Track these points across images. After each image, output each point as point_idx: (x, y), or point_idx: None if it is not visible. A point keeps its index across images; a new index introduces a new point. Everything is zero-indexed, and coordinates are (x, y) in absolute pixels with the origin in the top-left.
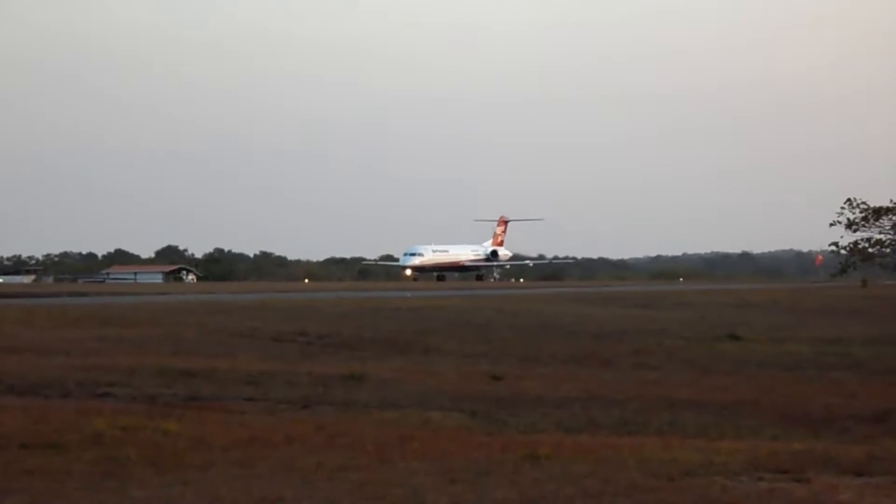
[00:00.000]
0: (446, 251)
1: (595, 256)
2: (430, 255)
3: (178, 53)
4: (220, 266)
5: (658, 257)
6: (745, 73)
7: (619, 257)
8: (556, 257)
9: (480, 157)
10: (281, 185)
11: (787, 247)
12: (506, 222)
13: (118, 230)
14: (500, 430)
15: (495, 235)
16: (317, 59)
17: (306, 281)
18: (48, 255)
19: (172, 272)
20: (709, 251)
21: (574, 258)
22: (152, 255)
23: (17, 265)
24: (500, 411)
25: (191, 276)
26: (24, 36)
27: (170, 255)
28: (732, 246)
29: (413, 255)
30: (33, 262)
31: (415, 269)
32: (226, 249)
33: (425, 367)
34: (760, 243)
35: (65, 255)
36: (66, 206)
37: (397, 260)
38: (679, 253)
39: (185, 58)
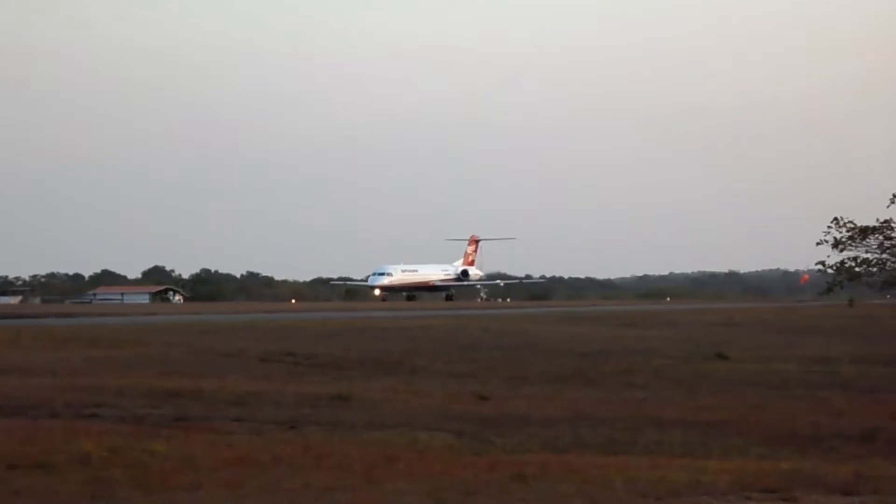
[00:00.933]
0: (416, 270)
1: (582, 276)
2: (399, 274)
3: (163, 72)
4: (207, 287)
5: (645, 277)
6: (732, 95)
7: (607, 277)
8: (527, 276)
9: (477, 178)
10: (268, 205)
11: (773, 266)
12: (477, 241)
13: (105, 251)
14: (487, 449)
15: (466, 255)
16: (303, 80)
17: (293, 301)
18: (35, 276)
19: (159, 293)
20: (696, 270)
21: (544, 277)
22: (139, 276)
23: (4, 286)
24: (487, 431)
25: (178, 297)
26: (6, 54)
27: (157, 276)
28: (719, 265)
29: (381, 274)
30: (20, 282)
31: (383, 288)
32: (213, 270)
33: (412, 388)
34: (747, 263)
35: (51, 275)
36: (53, 227)
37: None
38: (666, 272)
39: (169, 77)
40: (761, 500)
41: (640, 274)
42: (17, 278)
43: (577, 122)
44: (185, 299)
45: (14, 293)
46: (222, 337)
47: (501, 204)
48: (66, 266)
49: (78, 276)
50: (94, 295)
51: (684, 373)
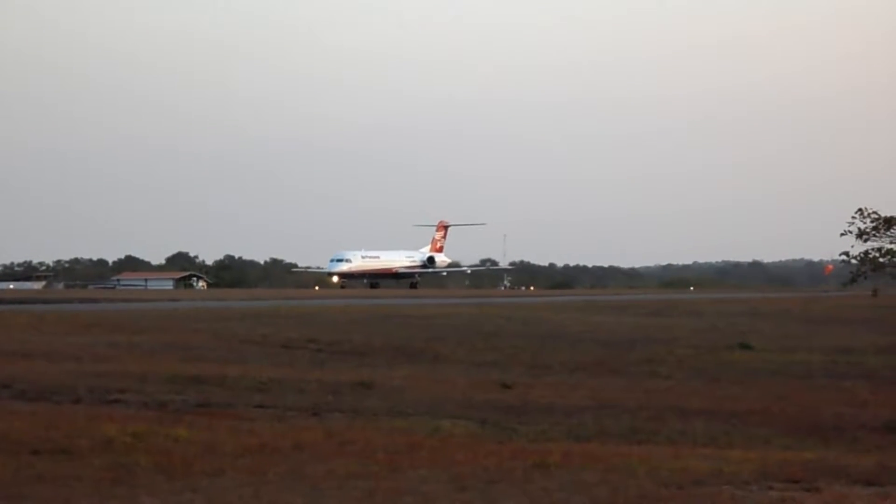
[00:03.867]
0: (377, 257)
1: (606, 265)
2: (359, 261)
3: (188, 57)
4: (230, 273)
5: (669, 266)
6: (759, 84)
7: (631, 266)
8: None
9: (508, 168)
10: (292, 191)
11: (797, 256)
12: (445, 227)
13: (129, 237)
14: (510, 438)
15: (434, 241)
16: (334, 64)
17: (316, 288)
18: (59, 262)
19: (183, 279)
20: (720, 260)
21: (514, 264)
22: (163, 262)
23: (28, 271)
24: (510, 419)
25: (201, 283)
26: (27, 38)
27: (180, 262)
28: (743, 255)
29: (340, 260)
30: (44, 268)
31: (342, 275)
32: (236, 256)
33: (435, 375)
34: (771, 252)
35: (75, 261)
36: (77, 213)
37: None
38: (690, 262)
39: (195, 62)
40: (784, 490)
41: (664, 263)
42: (41, 263)
43: (600, 110)
44: (209, 285)
45: (38, 278)
46: (245, 323)
47: (529, 192)
48: (90, 252)
49: (102, 262)
50: (118, 280)
51: (708, 362)
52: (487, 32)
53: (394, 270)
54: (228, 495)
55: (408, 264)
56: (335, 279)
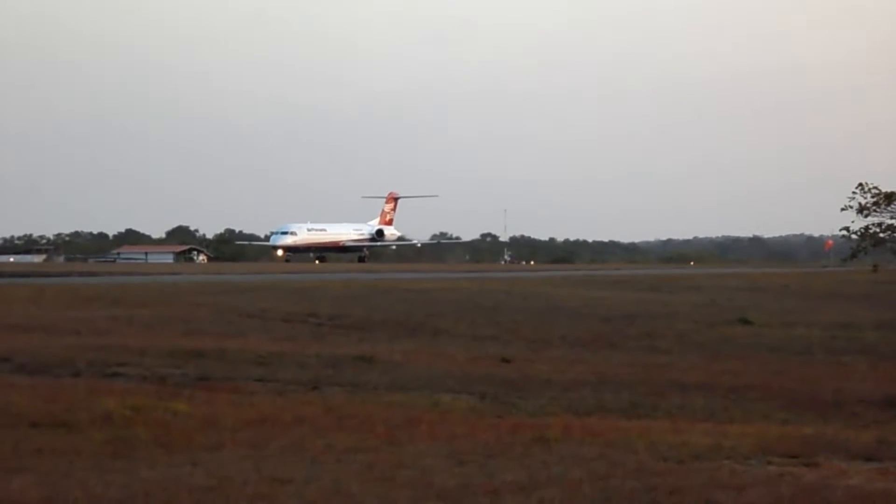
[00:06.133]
0: (324, 230)
1: (606, 239)
2: (305, 234)
3: (187, 39)
4: (230, 247)
5: (669, 241)
6: (757, 61)
7: (630, 240)
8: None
9: (509, 145)
10: (292, 167)
11: (798, 231)
12: (395, 199)
13: (129, 210)
14: (509, 412)
15: (383, 213)
16: (314, 49)
17: (317, 262)
18: (59, 235)
19: (183, 252)
20: (720, 235)
21: (458, 238)
22: (163, 236)
23: (28, 244)
24: (510, 394)
25: (201, 257)
26: (27, 19)
27: (181, 236)
28: (743, 230)
29: (285, 233)
30: (44, 241)
31: (287, 248)
32: (237, 230)
33: (435, 350)
34: (771, 227)
35: (76, 234)
36: (78, 186)
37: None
38: (690, 237)
39: (195, 43)
40: (783, 465)
41: (664, 238)
42: (42, 237)
43: (602, 86)
44: (209, 259)
45: (38, 252)
46: (245, 297)
47: (529, 166)
48: (91, 225)
49: (102, 236)
50: (118, 254)
51: (707, 337)
52: None
53: (341, 244)
54: (228, 468)
55: (355, 237)
56: (279, 252)
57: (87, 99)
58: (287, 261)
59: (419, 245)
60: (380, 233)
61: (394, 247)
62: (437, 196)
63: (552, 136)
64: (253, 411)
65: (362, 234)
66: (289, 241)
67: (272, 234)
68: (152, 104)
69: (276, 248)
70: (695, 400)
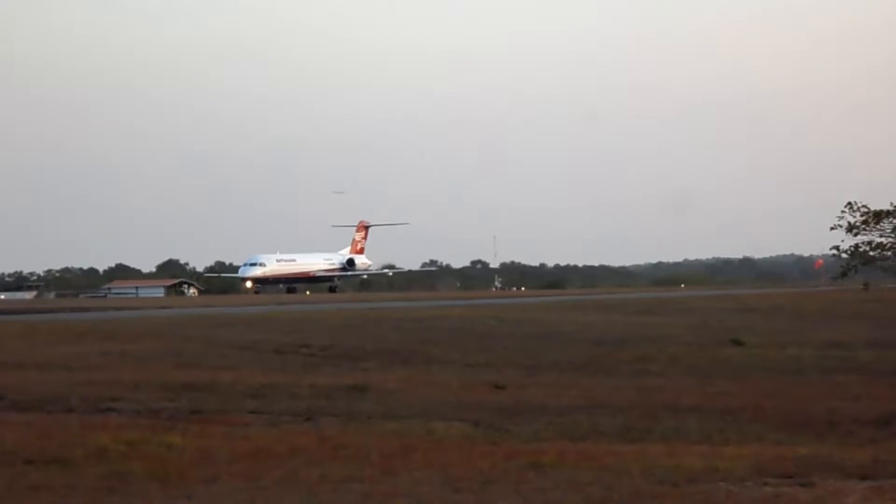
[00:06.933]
0: (294, 260)
1: (596, 264)
2: (274, 264)
3: (170, 69)
4: (221, 279)
5: (659, 264)
6: (746, 82)
7: (621, 264)
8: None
9: (502, 173)
10: (279, 198)
11: (787, 251)
12: (366, 227)
13: (119, 245)
14: (504, 438)
15: (354, 242)
16: (302, 79)
17: (307, 293)
18: (49, 271)
19: (174, 286)
20: (710, 257)
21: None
22: (154, 270)
23: (19, 281)
24: (504, 420)
25: (192, 290)
26: (22, 47)
27: (171, 269)
28: (734, 251)
29: (254, 265)
30: (34, 277)
31: (256, 280)
32: (227, 262)
33: (428, 378)
34: (762, 248)
35: (66, 270)
36: (67, 222)
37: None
38: (680, 259)
39: (179, 75)
40: (779, 486)
41: (654, 261)
42: (32, 273)
43: (588, 109)
44: (200, 292)
45: (29, 288)
46: (237, 329)
47: (519, 192)
48: (81, 261)
49: (92, 271)
50: (109, 289)
51: (700, 359)
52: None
53: (311, 274)
54: (224, 501)
55: (326, 267)
56: (248, 284)
57: (75, 134)
58: (256, 292)
59: (391, 273)
60: (350, 262)
61: (365, 276)
62: (407, 223)
63: (541, 162)
64: (247, 443)
65: (332, 264)
66: (258, 272)
67: (242, 265)
68: (138, 138)
69: (244, 279)
70: (689, 422)
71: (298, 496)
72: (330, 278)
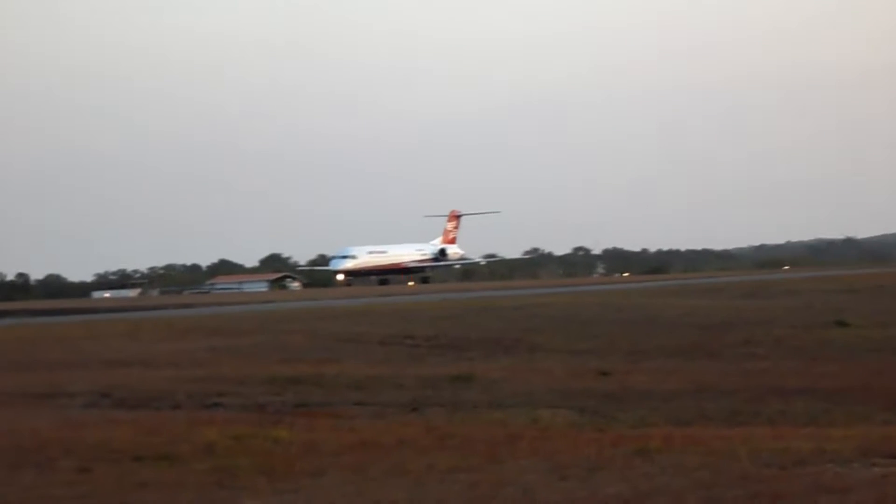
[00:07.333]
0: (385, 252)
1: (699, 248)
2: (366, 256)
3: (267, 60)
4: (318, 273)
5: (762, 246)
6: (850, 57)
7: (723, 248)
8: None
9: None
10: (383, 188)
11: (892, 230)
12: (458, 217)
13: (222, 241)
14: (610, 425)
15: (446, 232)
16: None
17: (411, 284)
18: (153, 269)
19: (277, 280)
20: (813, 238)
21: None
22: (257, 264)
23: (123, 279)
24: (609, 407)
25: (295, 284)
26: (106, 48)
27: (274, 264)
28: (836, 231)
29: (345, 257)
30: (138, 275)
31: (347, 273)
32: (329, 256)
33: (532, 366)
34: (865, 228)
35: (169, 267)
36: (170, 220)
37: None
38: (783, 241)
39: (297, 60)
40: (888, 466)
41: (756, 244)
42: (136, 271)
43: (694, 91)
44: (303, 285)
45: (133, 286)
46: (341, 322)
47: (618, 179)
48: (184, 257)
49: (195, 267)
50: (213, 285)
51: (805, 341)
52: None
53: (403, 265)
54: (331, 494)
55: (418, 258)
56: (340, 277)
57: (174, 128)
58: (348, 285)
59: (484, 262)
60: (442, 252)
61: (458, 266)
62: (499, 212)
63: (644, 148)
64: (353, 435)
65: (424, 255)
66: (349, 265)
67: (332, 258)
68: (244, 132)
69: (336, 272)
70: (795, 405)
71: (406, 487)
72: (422, 269)
